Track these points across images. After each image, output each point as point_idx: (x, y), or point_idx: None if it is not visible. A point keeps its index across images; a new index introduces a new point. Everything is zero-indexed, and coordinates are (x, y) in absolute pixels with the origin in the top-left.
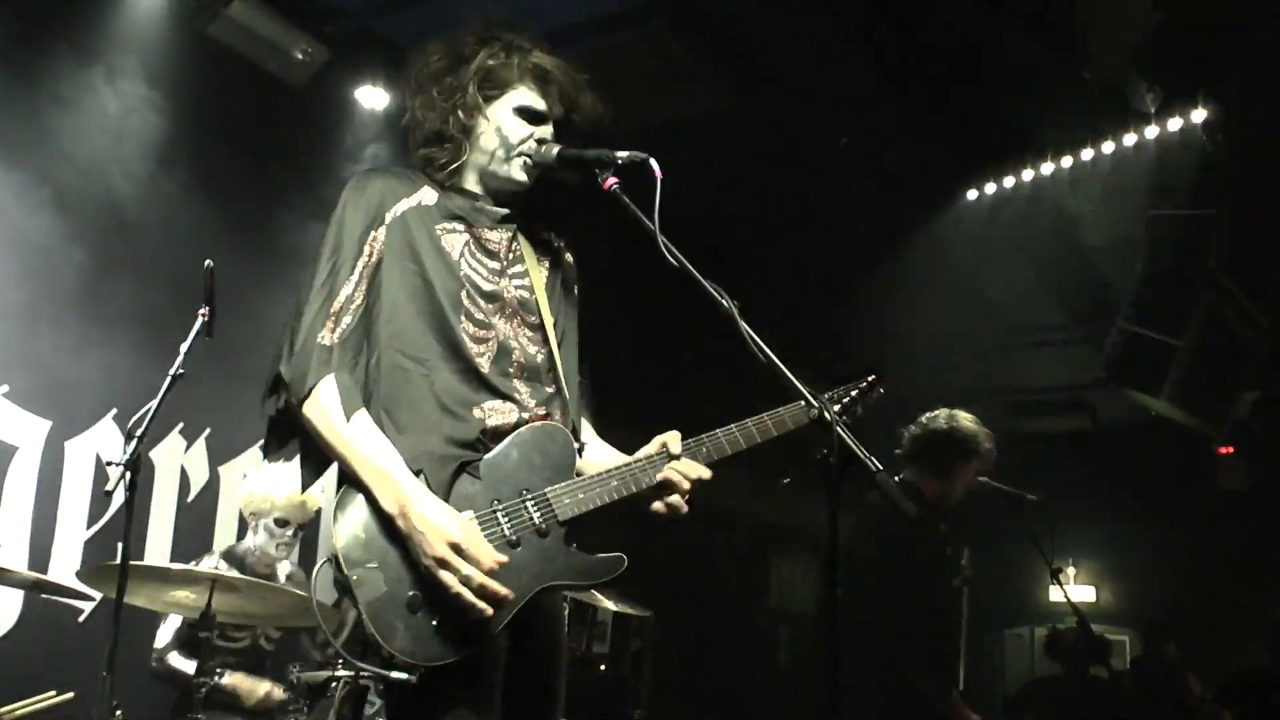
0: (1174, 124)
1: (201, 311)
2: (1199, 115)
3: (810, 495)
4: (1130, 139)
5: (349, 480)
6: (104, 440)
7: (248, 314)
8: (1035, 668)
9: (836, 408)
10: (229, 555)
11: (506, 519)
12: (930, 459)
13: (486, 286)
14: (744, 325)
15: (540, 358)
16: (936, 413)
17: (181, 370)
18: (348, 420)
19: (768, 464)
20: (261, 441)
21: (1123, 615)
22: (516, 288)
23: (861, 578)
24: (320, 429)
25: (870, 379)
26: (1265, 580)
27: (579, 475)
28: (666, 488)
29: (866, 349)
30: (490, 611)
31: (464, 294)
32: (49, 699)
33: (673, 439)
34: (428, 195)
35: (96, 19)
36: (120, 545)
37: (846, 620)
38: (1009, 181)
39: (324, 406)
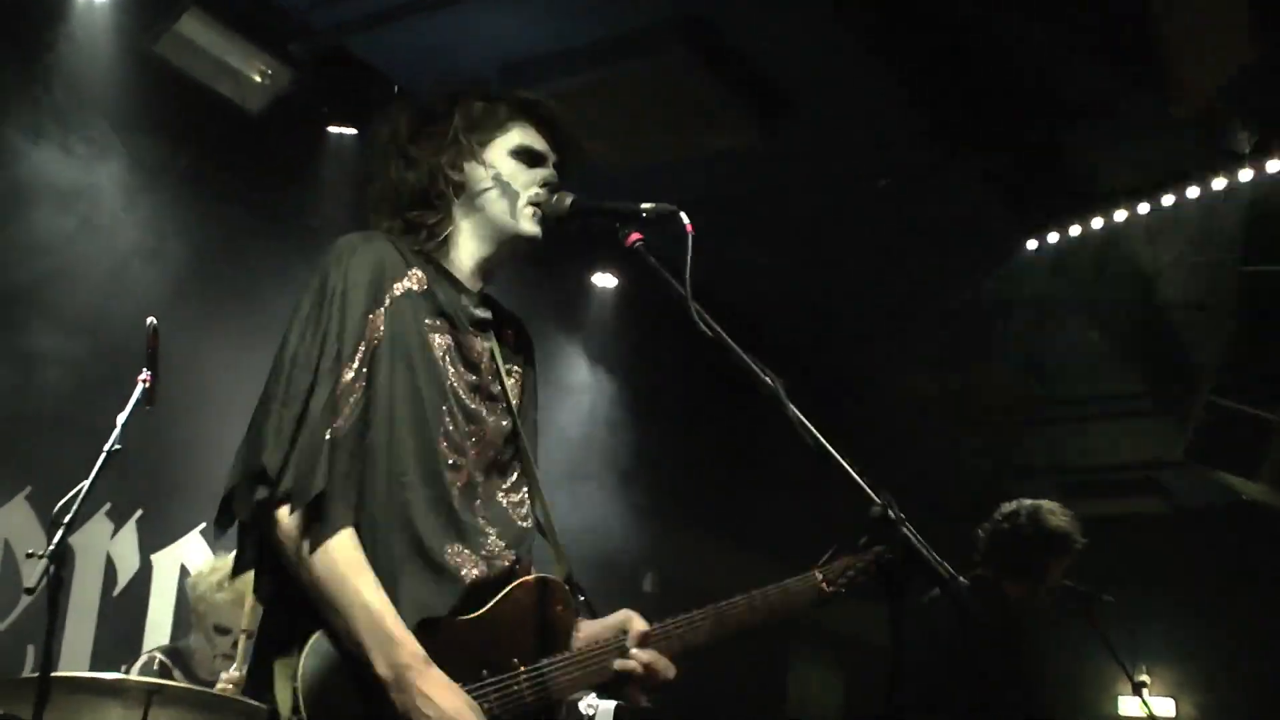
0: (1272, 166)
1: (142, 377)
2: None
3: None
4: (1220, 183)
5: (325, 625)
6: (15, 524)
7: (191, 378)
8: None
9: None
10: (172, 653)
11: (498, 693)
12: (1016, 559)
13: (470, 405)
14: (791, 407)
15: (510, 496)
16: (1017, 506)
17: (118, 445)
18: (335, 540)
19: (789, 551)
20: (208, 530)
21: None
22: (493, 410)
23: (920, 684)
24: (310, 554)
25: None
26: None
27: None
28: (626, 678)
29: (907, 422)
30: None
31: (445, 410)
32: None
33: (633, 626)
34: (418, 278)
35: (32, 31)
36: (34, 649)
37: None
38: (1075, 230)
39: (326, 525)
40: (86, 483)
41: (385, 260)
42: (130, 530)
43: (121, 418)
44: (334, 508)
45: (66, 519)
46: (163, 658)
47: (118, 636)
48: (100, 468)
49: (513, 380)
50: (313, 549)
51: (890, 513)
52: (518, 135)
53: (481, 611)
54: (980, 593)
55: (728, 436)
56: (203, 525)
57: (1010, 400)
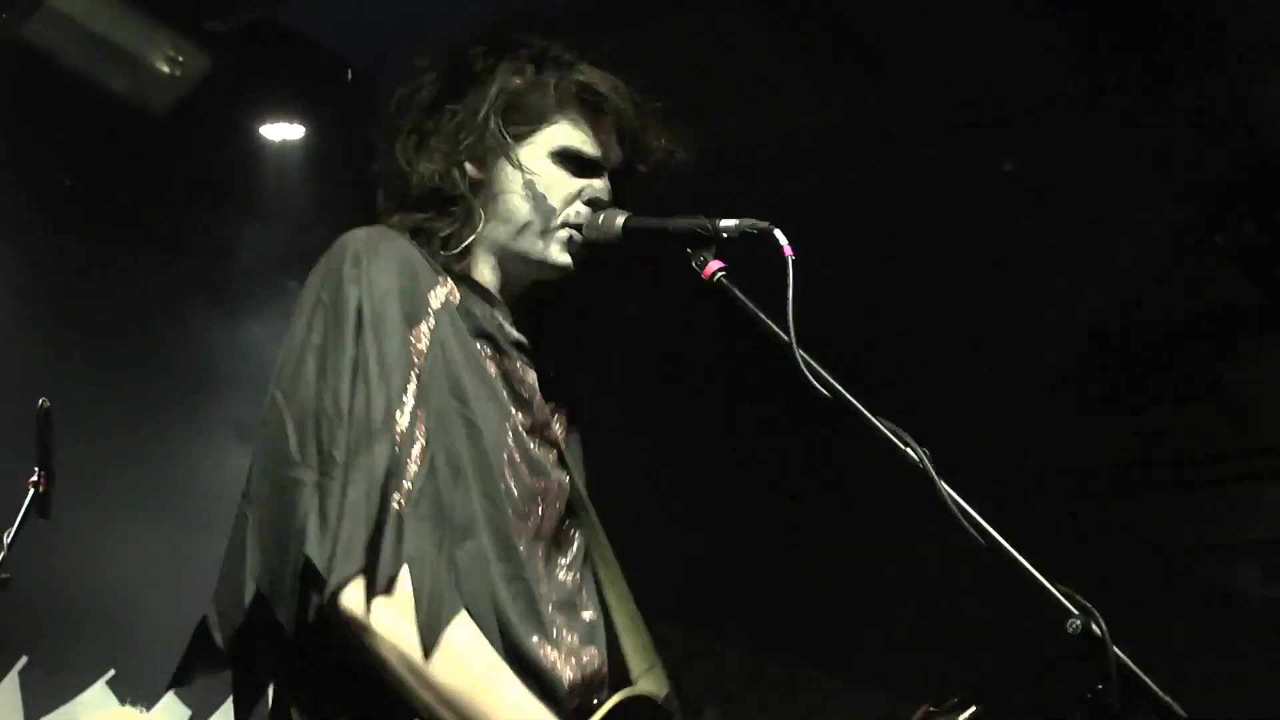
0: None
1: (32, 480)
2: None
3: None
4: None
5: None
6: None
7: (97, 478)
8: None
9: None
10: None
11: None
12: None
13: (534, 453)
14: (944, 486)
15: (570, 575)
16: None
17: (2, 573)
18: (451, 630)
19: (898, 679)
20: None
21: None
22: (552, 459)
23: None
24: (425, 661)
25: None
26: None
27: None
28: None
29: (1047, 482)
30: None
31: (506, 458)
32: None
33: None
34: (450, 288)
35: None
36: None
37: None
38: None
39: (434, 616)
40: None
41: (416, 262)
42: (11, 685)
43: (8, 536)
44: (432, 593)
45: None
46: None
47: None
48: None
49: (559, 421)
50: (427, 653)
51: (1095, 628)
52: (566, 131)
53: None
54: None
55: (810, 520)
56: (110, 675)
57: (1199, 451)
